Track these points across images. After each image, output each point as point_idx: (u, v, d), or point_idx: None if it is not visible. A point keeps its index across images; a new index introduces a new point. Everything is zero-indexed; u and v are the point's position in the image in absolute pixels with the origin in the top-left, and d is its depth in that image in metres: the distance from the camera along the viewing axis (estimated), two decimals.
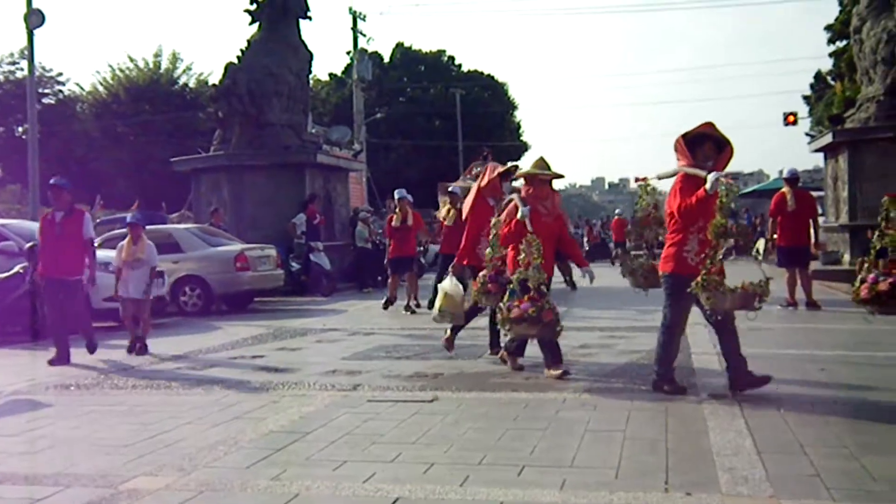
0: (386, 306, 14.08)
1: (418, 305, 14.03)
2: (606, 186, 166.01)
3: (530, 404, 6.24)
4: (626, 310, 13.28)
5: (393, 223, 14.43)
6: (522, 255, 7.08)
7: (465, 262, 8.51)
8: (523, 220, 7.23)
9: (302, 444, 5.25)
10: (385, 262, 15.22)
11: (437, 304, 8.27)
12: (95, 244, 16.06)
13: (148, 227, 17.29)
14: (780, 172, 16.70)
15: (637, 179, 7.46)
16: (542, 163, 7.78)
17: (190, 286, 14.95)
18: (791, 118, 32.01)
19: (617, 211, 32.08)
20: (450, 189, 13.99)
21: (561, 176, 7.97)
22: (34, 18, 21.62)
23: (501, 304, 7.16)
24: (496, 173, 8.70)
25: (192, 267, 14.99)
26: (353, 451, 5.03)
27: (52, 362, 9.05)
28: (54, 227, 9.46)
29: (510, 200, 7.68)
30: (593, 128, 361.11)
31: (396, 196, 14.72)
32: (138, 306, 10.16)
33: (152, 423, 6.03)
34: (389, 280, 14.71)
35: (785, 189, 12.76)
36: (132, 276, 10.19)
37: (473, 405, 6.31)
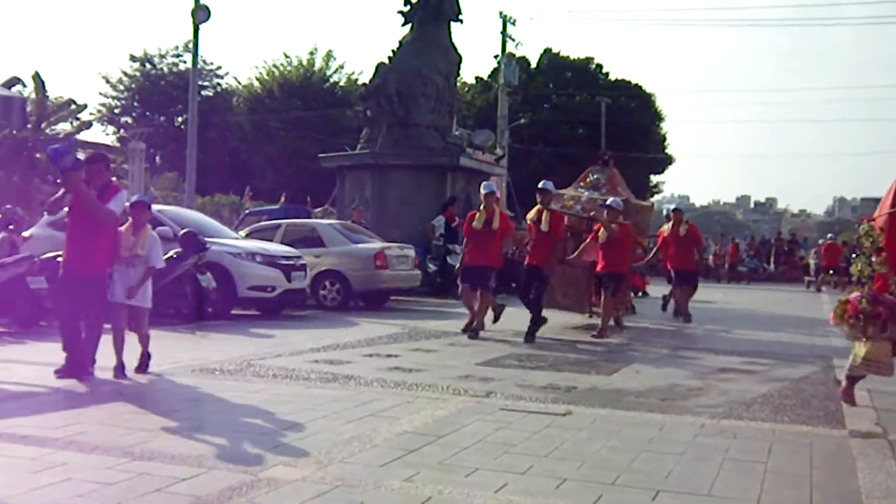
0: (471, 333, 11.17)
1: (482, 328, 11.47)
2: (752, 205, 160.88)
3: (666, 426, 6.09)
4: (769, 335, 12.83)
5: (474, 223, 11.41)
6: None
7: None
8: None
9: (435, 448, 5.28)
10: (456, 269, 12.59)
11: (862, 352, 6.57)
12: (241, 234, 16.69)
13: (293, 221, 17.97)
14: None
15: (863, 220, 7.08)
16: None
17: (330, 280, 15.34)
18: None
19: (829, 236, 30.91)
20: (609, 202, 12.15)
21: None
22: (201, 14, 22.65)
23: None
24: None
25: (332, 262, 15.37)
26: (485, 459, 5.03)
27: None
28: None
29: None
30: (739, 143, 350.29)
31: (483, 191, 11.68)
32: (136, 317, 8.01)
33: (290, 413, 6.19)
34: (461, 294, 11.97)
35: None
36: (127, 276, 7.89)
37: (607, 422, 6.21)
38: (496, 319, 12.16)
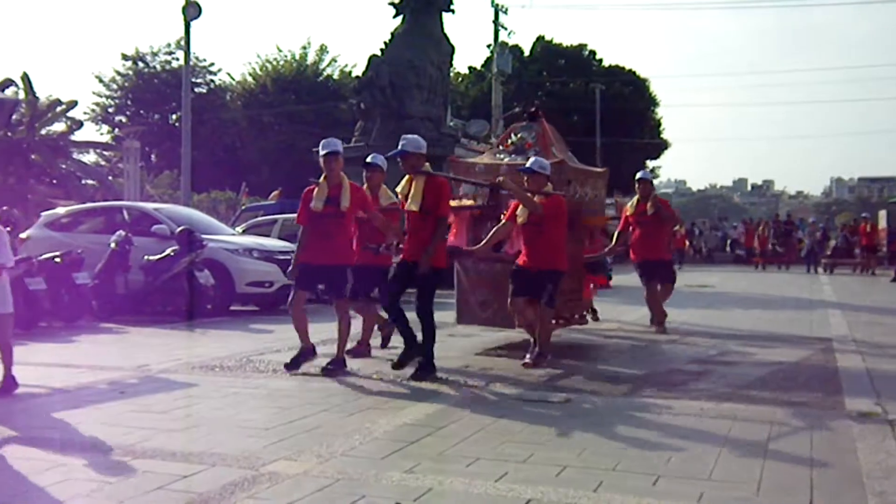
0: (329, 365, 7.79)
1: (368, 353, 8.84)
2: (749, 188, 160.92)
3: (665, 411, 6.10)
4: (765, 314, 12.85)
5: (312, 204, 7.80)
6: None
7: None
8: None
9: (435, 439, 5.29)
10: (289, 270, 8.33)
11: None
12: (238, 231, 16.63)
13: (290, 216, 17.93)
14: None
15: None
16: None
17: None
18: None
19: (864, 214, 30.96)
20: (529, 164, 8.24)
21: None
22: (191, 10, 22.59)
23: None
24: None
25: None
26: (486, 449, 5.04)
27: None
28: None
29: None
30: (735, 126, 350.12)
31: (322, 150, 7.86)
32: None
33: (291, 407, 6.21)
34: (290, 307, 8.15)
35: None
36: None
37: (606, 409, 6.22)
38: (385, 342, 9.25)
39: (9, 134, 29.45)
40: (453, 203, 8.48)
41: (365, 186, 8.41)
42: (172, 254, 12.54)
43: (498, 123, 36.77)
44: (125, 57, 48.58)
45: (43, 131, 32.10)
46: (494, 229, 8.33)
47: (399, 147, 7.80)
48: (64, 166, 31.90)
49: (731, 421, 5.79)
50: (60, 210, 16.16)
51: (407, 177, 7.82)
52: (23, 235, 13.86)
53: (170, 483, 4.38)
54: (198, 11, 22.71)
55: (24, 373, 7.82)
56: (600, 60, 50.73)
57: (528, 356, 8.08)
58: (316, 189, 7.79)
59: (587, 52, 50.76)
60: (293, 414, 6.01)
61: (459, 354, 8.78)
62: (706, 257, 35.55)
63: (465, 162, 10.21)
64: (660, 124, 51.49)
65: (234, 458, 4.82)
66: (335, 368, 7.62)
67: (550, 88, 48.26)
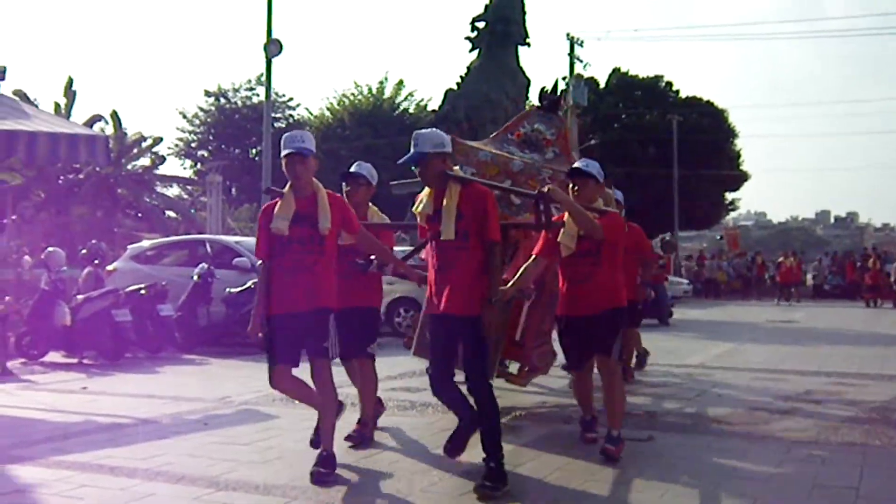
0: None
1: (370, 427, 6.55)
2: (832, 220, 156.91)
3: (749, 453, 5.95)
4: (858, 350, 12.47)
5: (273, 224, 5.41)
6: None
7: None
8: None
9: (513, 477, 5.23)
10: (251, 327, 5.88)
11: None
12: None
13: None
14: None
15: None
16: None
17: (404, 307, 15.41)
18: None
19: None
20: (579, 165, 6.01)
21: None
22: (273, 48, 23.10)
23: None
24: None
25: (406, 289, 15.39)
26: (566, 490, 4.96)
27: None
28: None
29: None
30: (816, 157, 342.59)
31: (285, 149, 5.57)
32: None
33: (372, 441, 6.21)
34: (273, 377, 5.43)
35: None
36: None
37: (690, 448, 6.10)
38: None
39: (97, 169, 30.43)
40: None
41: None
42: (253, 286, 12.73)
43: (573, 156, 36.67)
44: (207, 93, 49.91)
45: (129, 166, 33.14)
46: (524, 268, 5.79)
47: (413, 149, 5.30)
48: (148, 200, 32.86)
49: (819, 465, 5.61)
50: (145, 243, 16.61)
51: (427, 190, 5.40)
52: (109, 268, 14.28)
53: None
54: (279, 48, 23.22)
55: (111, 403, 8.04)
56: (677, 91, 50.25)
57: (590, 434, 6.21)
58: (278, 205, 5.42)
59: (663, 83, 50.32)
60: (374, 448, 6.02)
61: (539, 388, 8.69)
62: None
63: (467, 145, 7.82)
64: (739, 155, 50.62)
65: (314, 492, 4.85)
66: (327, 472, 5.12)
67: (626, 120, 47.95)
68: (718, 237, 53.73)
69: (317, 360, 5.29)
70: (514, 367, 7.51)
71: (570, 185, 5.87)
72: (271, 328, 5.28)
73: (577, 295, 5.81)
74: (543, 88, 8.34)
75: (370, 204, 6.59)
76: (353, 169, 6.49)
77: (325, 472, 5.09)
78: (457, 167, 6.10)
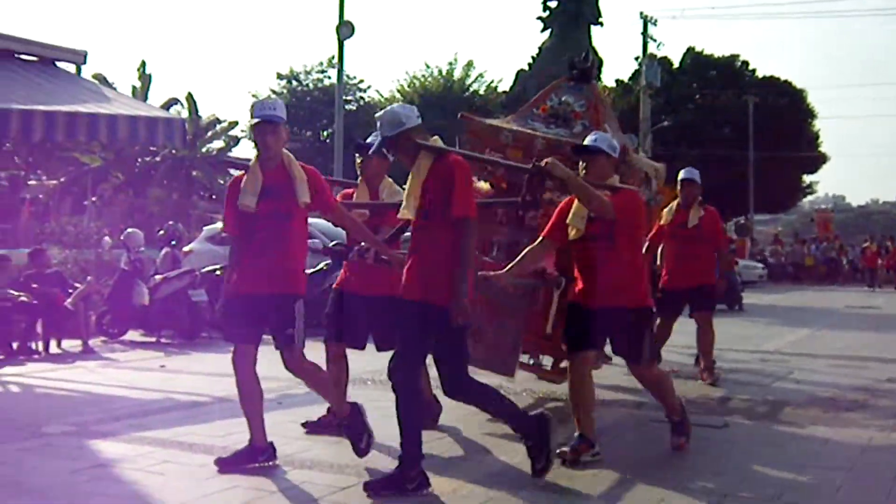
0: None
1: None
2: None
3: (830, 441, 5.81)
4: None
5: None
6: None
7: None
8: None
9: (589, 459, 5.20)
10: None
11: None
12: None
13: None
14: None
15: None
16: None
17: None
18: None
19: None
20: (591, 140, 5.47)
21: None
22: (345, 30, 23.26)
23: None
24: None
25: None
26: (642, 474, 4.92)
27: None
28: None
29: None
30: None
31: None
32: None
33: (441, 424, 6.23)
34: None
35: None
36: None
37: (767, 436, 5.99)
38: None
39: (173, 152, 31.08)
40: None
41: (359, 180, 6.22)
42: (325, 268, 12.87)
43: (646, 137, 36.18)
44: (280, 76, 50.42)
45: (203, 149, 33.76)
46: (525, 251, 5.43)
47: (377, 134, 5.12)
48: (222, 182, 33.46)
49: None
50: (220, 224, 16.89)
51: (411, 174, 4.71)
52: (186, 249, 14.58)
53: (329, 494, 4.49)
54: (351, 30, 23.36)
55: (189, 381, 8.22)
56: (753, 71, 49.16)
57: (678, 438, 5.52)
58: (245, 178, 5.07)
59: (739, 63, 49.26)
60: (441, 431, 6.04)
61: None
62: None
63: (485, 124, 7.31)
64: (817, 137, 49.36)
65: (384, 472, 4.89)
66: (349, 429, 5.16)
67: (701, 101, 47.09)
68: (810, 220, 52.56)
69: (284, 350, 5.13)
70: (547, 362, 7.29)
71: (580, 163, 5.38)
72: (236, 307, 5.10)
73: (590, 284, 5.17)
74: (573, 58, 7.82)
75: (386, 177, 6.17)
76: (369, 140, 5.87)
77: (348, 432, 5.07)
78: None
